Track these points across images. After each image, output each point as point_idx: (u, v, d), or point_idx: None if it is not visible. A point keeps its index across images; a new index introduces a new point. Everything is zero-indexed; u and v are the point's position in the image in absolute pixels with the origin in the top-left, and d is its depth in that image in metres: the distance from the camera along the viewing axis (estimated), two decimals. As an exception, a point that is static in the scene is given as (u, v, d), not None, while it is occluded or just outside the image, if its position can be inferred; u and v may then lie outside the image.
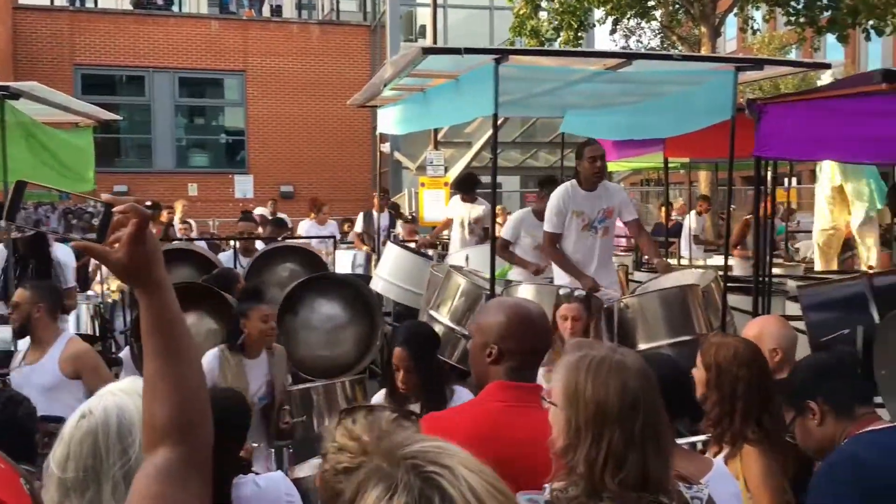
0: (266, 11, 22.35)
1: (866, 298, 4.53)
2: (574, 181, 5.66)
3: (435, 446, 1.10)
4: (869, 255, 8.28)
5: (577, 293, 4.48)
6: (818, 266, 8.44)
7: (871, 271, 5.48)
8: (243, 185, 20.97)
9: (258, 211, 14.23)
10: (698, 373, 2.99)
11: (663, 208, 10.49)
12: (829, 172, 8.22)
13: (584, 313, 4.37)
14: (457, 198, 8.73)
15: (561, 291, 4.56)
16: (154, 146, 21.07)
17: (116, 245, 1.35)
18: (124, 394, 1.81)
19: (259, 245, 7.98)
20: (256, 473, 2.74)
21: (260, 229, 9.81)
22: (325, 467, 1.73)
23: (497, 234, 6.61)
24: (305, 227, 11.38)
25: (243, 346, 4.22)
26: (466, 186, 8.48)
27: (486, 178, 7.96)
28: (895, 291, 4.57)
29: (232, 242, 7.54)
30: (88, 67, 20.21)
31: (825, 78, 8.47)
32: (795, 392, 2.50)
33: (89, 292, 7.86)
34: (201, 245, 8.38)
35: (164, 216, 12.23)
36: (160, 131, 20.99)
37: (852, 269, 8.11)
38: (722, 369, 2.91)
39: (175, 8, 21.94)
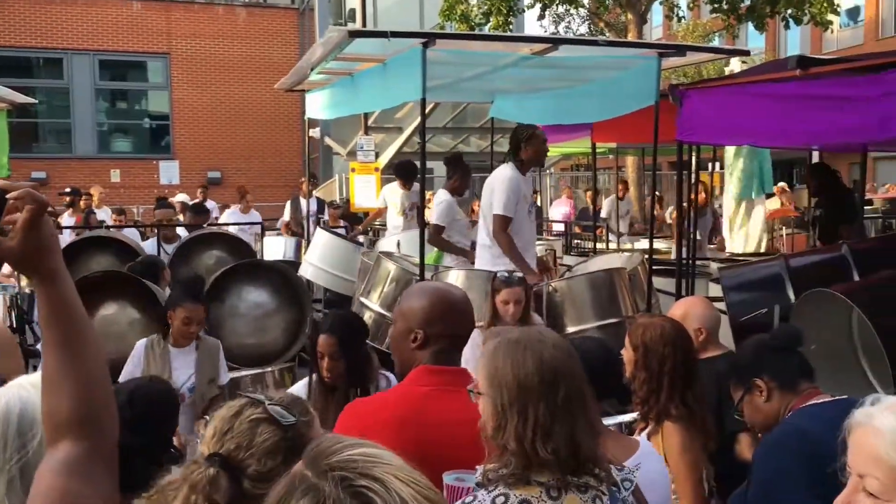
0: (190, -8, 21.80)
1: (783, 279, 4.69)
2: (512, 165, 5.58)
3: (364, 455, 1.04)
4: (747, 240, 8.70)
5: (515, 275, 4.48)
6: (730, 246, 8.78)
7: (788, 253, 5.67)
8: (169, 171, 20.46)
9: (179, 198, 13.92)
10: (627, 353, 3.06)
11: (588, 193, 10.66)
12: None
13: (522, 296, 4.39)
14: (394, 184, 8.67)
15: (499, 275, 4.55)
16: (74, 131, 20.38)
17: (11, 233, 1.30)
18: (32, 387, 1.74)
19: (182, 232, 7.80)
20: None
21: (180, 216, 9.60)
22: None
23: (427, 219, 6.59)
24: (229, 215, 11.17)
25: (170, 335, 4.26)
26: (407, 173, 8.43)
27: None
28: (810, 272, 4.73)
29: (157, 235, 7.33)
30: (2, 49, 19.38)
31: (733, 64, 8.74)
32: (743, 370, 2.57)
33: (5, 283, 7.59)
34: (125, 232, 8.14)
35: (83, 203, 11.89)
36: (80, 116, 20.30)
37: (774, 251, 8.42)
38: (649, 349, 2.97)
39: (94, -12, 21.20)
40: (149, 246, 7.24)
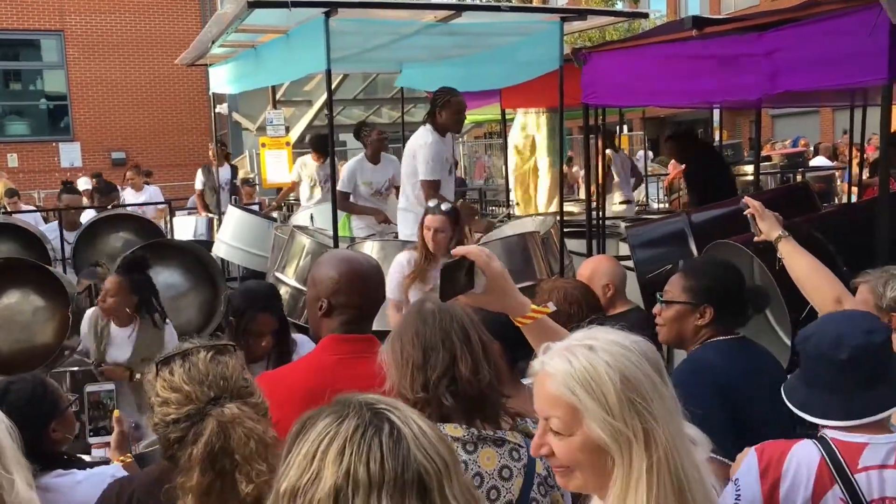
0: (82, -34, 20.83)
1: (686, 234, 4.87)
2: (430, 128, 5.58)
3: (387, 399, 1.17)
4: (535, 200, 9.23)
5: (443, 206, 4.50)
6: (517, 210, 9.16)
7: (689, 209, 5.87)
8: (70, 154, 19.65)
9: (81, 184, 13.41)
10: None
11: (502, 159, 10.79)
12: (521, 122, 9.20)
13: (448, 226, 4.41)
14: (307, 157, 8.59)
15: (429, 204, 4.60)
16: (-36, 115, 19.37)
17: None
18: None
19: (85, 216, 7.55)
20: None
21: (85, 200, 9.27)
22: (154, 420, 1.76)
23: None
24: (127, 195, 10.76)
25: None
26: (323, 145, 8.37)
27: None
28: (710, 225, 4.92)
29: (56, 215, 7.07)
30: None
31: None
32: (701, 291, 2.66)
33: None
34: (24, 218, 7.81)
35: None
36: (-30, 99, 19.29)
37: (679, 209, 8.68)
38: (556, 311, 3.06)
39: (-24, -38, 20.03)
40: (50, 230, 6.98)
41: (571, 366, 1.39)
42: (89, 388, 3.38)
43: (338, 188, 6.41)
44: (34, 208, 11.74)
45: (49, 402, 2.59)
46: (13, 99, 21.06)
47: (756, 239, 2.73)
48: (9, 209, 9.37)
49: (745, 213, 2.76)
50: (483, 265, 1.84)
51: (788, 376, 2.20)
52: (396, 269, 4.52)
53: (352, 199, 6.73)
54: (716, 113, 11.16)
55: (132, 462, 2.52)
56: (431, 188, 5.43)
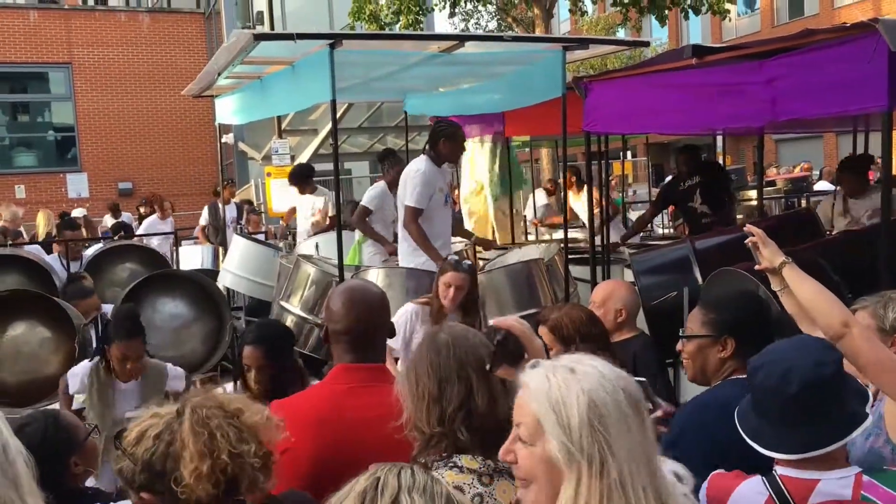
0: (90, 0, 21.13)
1: (690, 261, 4.87)
2: (426, 158, 5.62)
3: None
4: (497, 235, 9.21)
5: (465, 262, 4.46)
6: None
7: (694, 236, 5.88)
8: (77, 184, 19.78)
9: (77, 213, 13.48)
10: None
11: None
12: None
13: (468, 285, 4.35)
14: (294, 190, 8.60)
15: (449, 258, 4.55)
16: (-27, 147, 19.53)
17: None
18: None
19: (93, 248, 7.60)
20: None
21: (83, 230, 9.33)
22: (140, 458, 1.76)
23: (343, 221, 6.58)
24: (148, 225, 10.90)
25: (112, 368, 4.02)
26: (300, 178, 8.37)
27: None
28: (715, 253, 4.92)
29: (66, 251, 7.09)
30: None
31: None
32: (725, 323, 2.64)
33: None
34: (31, 250, 7.85)
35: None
36: (-21, 131, 19.46)
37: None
38: (565, 337, 3.06)
39: (-13, -3, 20.32)
40: (53, 261, 7.02)
41: (548, 381, 1.45)
42: (129, 414, 3.35)
43: (362, 202, 6.43)
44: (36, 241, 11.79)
45: (64, 439, 2.57)
46: (21, 130, 21.24)
47: (758, 267, 2.71)
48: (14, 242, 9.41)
49: (746, 241, 2.74)
50: (526, 340, 1.85)
51: (741, 401, 2.12)
52: (403, 319, 4.34)
53: (370, 218, 6.69)
54: (719, 138, 11.19)
55: None
56: (410, 213, 5.46)
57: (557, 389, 1.43)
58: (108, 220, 13.41)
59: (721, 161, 9.81)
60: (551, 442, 1.41)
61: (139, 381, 4.08)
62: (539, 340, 1.85)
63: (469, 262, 4.58)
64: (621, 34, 23.34)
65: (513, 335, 1.80)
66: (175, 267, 7.66)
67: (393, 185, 6.75)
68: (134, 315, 4.21)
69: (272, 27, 13.87)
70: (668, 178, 8.56)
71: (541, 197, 11.66)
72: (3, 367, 4.94)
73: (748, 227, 2.75)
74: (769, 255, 2.64)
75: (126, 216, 13.73)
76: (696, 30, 30.18)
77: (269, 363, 3.22)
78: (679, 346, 2.73)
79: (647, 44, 6.79)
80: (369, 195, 6.70)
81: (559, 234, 10.17)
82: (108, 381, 4.01)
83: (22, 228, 11.25)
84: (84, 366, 4.08)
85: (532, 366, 1.51)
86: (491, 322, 2.02)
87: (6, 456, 1.71)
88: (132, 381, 4.05)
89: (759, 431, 1.98)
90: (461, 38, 5.79)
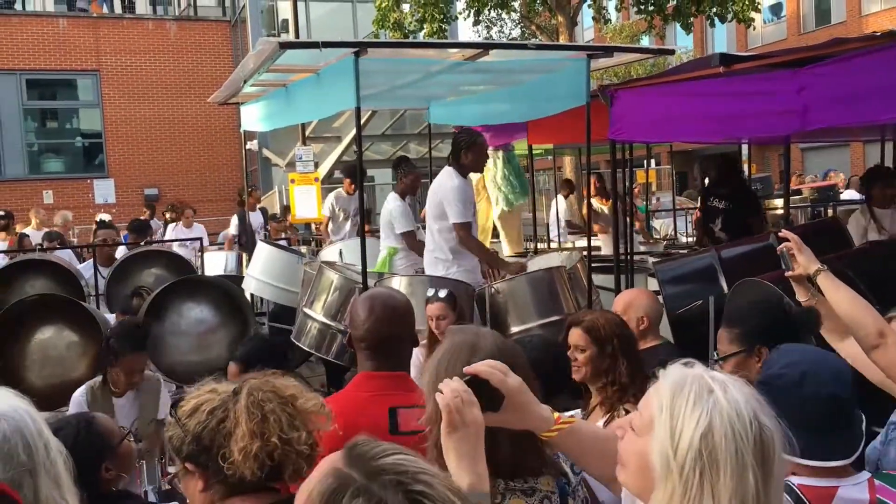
0: (118, 8, 21.36)
1: (715, 270, 4.84)
2: (454, 171, 5.64)
3: (410, 461, 1.09)
4: (509, 244, 9.05)
5: (440, 293, 4.53)
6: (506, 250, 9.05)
7: (719, 245, 5.84)
8: (104, 190, 20.01)
9: (101, 217, 13.64)
10: (575, 349, 3.07)
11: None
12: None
13: (448, 312, 4.44)
14: (339, 191, 8.80)
15: (429, 293, 4.60)
16: (3, 153, 19.78)
17: None
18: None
19: (120, 251, 7.68)
20: None
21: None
22: (189, 430, 1.78)
23: (366, 227, 6.61)
24: (172, 231, 11.03)
25: (109, 382, 4.06)
26: (355, 173, 8.59)
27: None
28: (740, 262, 4.89)
29: (94, 255, 7.19)
30: (-78, 71, 18.77)
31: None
32: (753, 334, 2.66)
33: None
34: (60, 254, 7.96)
35: (19, 226, 11.61)
36: (8, 137, 19.71)
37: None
38: (600, 341, 3.04)
39: (18, 6, 20.61)
40: (85, 268, 7.10)
41: (682, 387, 1.35)
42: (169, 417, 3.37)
43: (405, 229, 6.39)
44: (67, 245, 11.94)
45: (97, 444, 2.60)
46: (50, 137, 21.53)
47: (790, 274, 2.65)
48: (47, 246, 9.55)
49: (780, 246, 2.68)
50: (499, 382, 1.67)
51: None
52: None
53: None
54: (744, 146, 11.11)
55: None
56: (464, 230, 5.50)
57: (685, 400, 1.33)
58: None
59: (746, 169, 9.74)
60: (655, 446, 1.33)
61: (135, 393, 4.12)
62: (515, 378, 1.69)
63: (447, 290, 4.58)
64: (645, 42, 23.26)
65: (481, 379, 1.64)
66: (200, 273, 7.72)
67: (405, 193, 6.78)
68: (139, 327, 4.29)
69: (297, 35, 13.97)
70: (706, 186, 8.36)
71: (561, 202, 11.65)
72: (32, 370, 5.01)
73: (784, 233, 2.71)
74: (804, 261, 2.59)
75: (154, 222, 13.90)
76: (722, 37, 30.00)
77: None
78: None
79: (672, 52, 6.75)
80: (402, 221, 6.45)
81: (581, 241, 10.16)
82: (105, 397, 4.05)
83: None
84: (80, 390, 4.10)
85: (688, 364, 1.40)
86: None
87: (48, 455, 1.78)
88: (127, 394, 4.09)
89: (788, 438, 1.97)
90: (485, 46, 5.80)
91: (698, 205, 8.48)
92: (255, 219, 9.78)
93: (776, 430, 1.34)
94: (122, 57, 20.11)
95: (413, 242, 6.39)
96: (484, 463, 1.57)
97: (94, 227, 9.69)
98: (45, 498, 1.77)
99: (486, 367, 1.67)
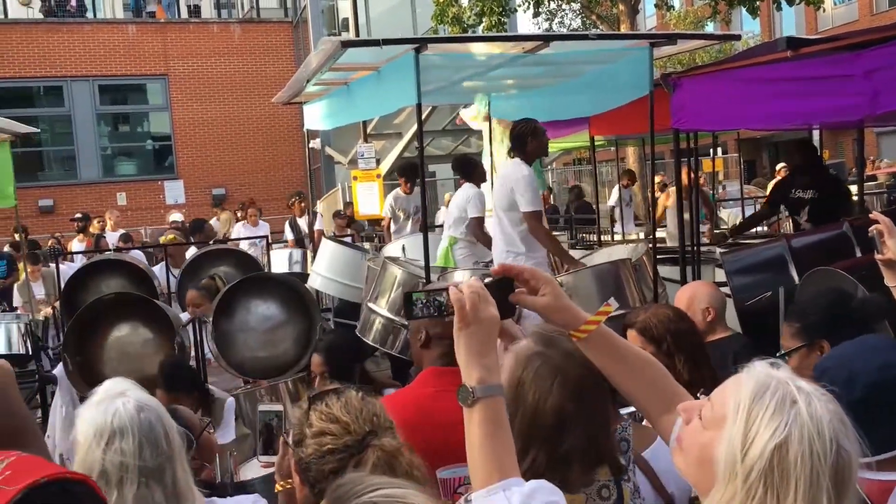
0: (184, 12, 21.89)
1: (786, 260, 4.71)
2: (520, 160, 5.60)
3: (388, 497, 1.06)
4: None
5: (481, 275, 4.51)
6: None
7: (789, 234, 5.68)
8: (174, 191, 20.57)
9: (174, 217, 14.03)
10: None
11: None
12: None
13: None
14: (396, 191, 8.85)
15: (486, 281, 4.58)
16: (78, 157, 20.50)
17: None
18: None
19: (190, 252, 7.90)
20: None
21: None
22: (306, 452, 1.79)
23: (428, 221, 6.65)
24: (237, 230, 11.29)
25: None
26: (410, 171, 8.63)
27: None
28: (812, 251, 4.75)
29: (165, 255, 7.42)
30: (2, 80, 19.52)
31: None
32: (814, 327, 2.59)
33: (19, 311, 7.67)
34: (133, 254, 8.23)
35: (97, 227, 12.03)
36: (83, 141, 20.42)
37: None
38: (656, 337, 2.99)
39: (89, 14, 21.31)
40: (157, 270, 7.33)
41: (763, 394, 1.28)
42: (262, 407, 3.46)
43: (475, 214, 6.44)
44: (138, 246, 12.33)
45: (180, 434, 2.70)
46: (122, 140, 22.20)
47: (880, 257, 2.56)
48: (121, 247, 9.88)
49: (871, 229, 2.60)
50: (531, 276, 1.64)
51: None
52: None
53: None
54: (815, 132, 10.79)
55: (291, 488, 2.58)
56: (535, 218, 5.46)
57: (764, 407, 1.26)
58: (215, 224, 13.87)
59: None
60: (721, 444, 1.28)
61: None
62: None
63: (486, 273, 4.55)
64: (710, 28, 22.76)
65: (505, 282, 1.61)
66: (267, 270, 7.88)
67: (480, 183, 6.81)
68: (176, 369, 4.26)
69: (357, 33, 14.10)
70: (780, 178, 8.06)
71: (624, 192, 11.53)
72: (109, 365, 5.18)
73: (874, 215, 2.64)
74: (895, 245, 2.52)
75: (215, 221, 14.25)
76: (790, 21, 29.11)
77: (330, 372, 3.33)
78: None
79: (737, 37, 6.60)
80: (474, 204, 6.52)
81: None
82: None
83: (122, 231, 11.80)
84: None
85: (775, 366, 1.35)
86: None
87: (170, 436, 1.91)
88: None
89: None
90: (545, 39, 5.76)
91: (766, 193, 8.26)
92: (304, 224, 10.11)
93: (855, 455, 1.27)
94: (189, 61, 20.61)
95: (478, 230, 6.39)
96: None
97: (166, 227, 10.03)
98: (182, 485, 1.88)
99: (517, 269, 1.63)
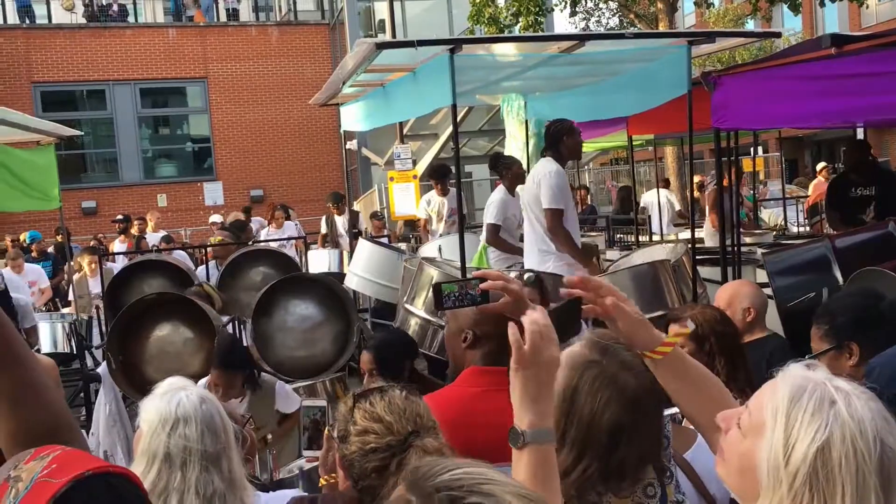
0: (223, 16, 22.16)
1: (829, 260, 4.62)
2: (551, 159, 5.57)
3: (469, 473, 1.03)
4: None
5: (526, 277, 4.47)
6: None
7: (832, 233, 5.57)
8: (213, 193, 20.84)
9: (214, 219, 14.18)
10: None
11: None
12: None
13: (535, 296, 4.35)
14: (430, 194, 8.85)
15: (525, 276, 4.55)
16: (120, 159, 20.87)
17: None
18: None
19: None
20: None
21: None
22: (349, 450, 1.81)
23: (467, 222, 6.64)
24: (264, 233, 11.41)
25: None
26: (440, 173, 8.60)
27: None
28: (856, 252, 4.65)
29: (205, 255, 7.54)
30: (47, 84, 19.96)
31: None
32: (842, 329, 2.56)
33: (63, 311, 7.83)
34: (175, 255, 8.36)
35: (138, 228, 12.23)
36: (125, 144, 20.78)
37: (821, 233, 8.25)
38: (699, 336, 2.96)
39: (131, 18, 21.67)
40: (201, 270, 7.44)
41: (800, 396, 1.25)
42: (305, 403, 3.50)
43: (490, 220, 6.42)
44: (179, 246, 12.50)
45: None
46: (162, 143, 22.55)
47: None
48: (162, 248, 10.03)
49: None
50: (608, 292, 1.60)
51: None
52: None
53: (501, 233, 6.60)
54: (860, 130, 10.58)
55: (335, 483, 2.58)
56: (555, 217, 5.41)
57: (802, 410, 1.23)
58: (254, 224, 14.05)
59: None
60: (763, 451, 1.25)
61: (245, 398, 4.25)
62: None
63: (531, 274, 4.51)
64: (750, 26, 22.44)
65: (576, 303, 1.57)
66: (304, 270, 7.94)
67: (512, 187, 6.73)
68: (231, 347, 4.33)
69: (394, 35, 14.15)
70: (832, 179, 7.82)
71: (662, 193, 11.40)
72: (151, 364, 5.26)
73: None
74: None
75: (256, 220, 14.38)
76: (833, 17, 28.55)
77: (381, 369, 3.35)
78: None
79: (778, 34, 6.48)
80: (491, 211, 6.52)
81: (684, 233, 9.90)
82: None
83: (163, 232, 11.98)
84: (201, 382, 4.15)
85: (811, 367, 1.32)
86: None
87: (227, 427, 2.02)
88: (236, 399, 4.17)
89: None
90: (581, 38, 5.72)
91: (809, 192, 8.12)
92: (342, 223, 10.24)
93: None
94: (228, 64, 20.86)
95: (493, 237, 6.34)
96: (549, 402, 1.49)
97: (206, 227, 10.20)
98: (237, 473, 1.99)
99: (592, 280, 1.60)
